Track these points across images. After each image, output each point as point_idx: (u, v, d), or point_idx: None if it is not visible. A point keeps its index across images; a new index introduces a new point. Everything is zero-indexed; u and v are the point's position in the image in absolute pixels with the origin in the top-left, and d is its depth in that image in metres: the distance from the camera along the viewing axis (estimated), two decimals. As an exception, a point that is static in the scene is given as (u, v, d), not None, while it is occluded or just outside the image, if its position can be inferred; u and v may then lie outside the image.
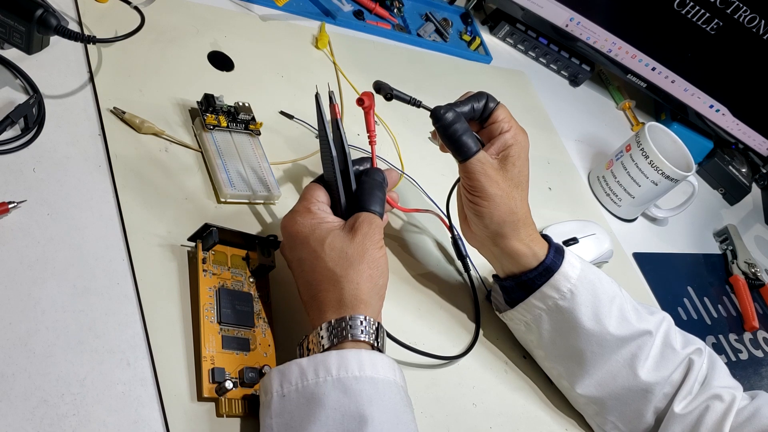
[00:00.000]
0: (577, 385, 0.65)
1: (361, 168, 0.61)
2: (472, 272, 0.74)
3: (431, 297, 0.70)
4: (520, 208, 0.62)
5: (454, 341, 0.68)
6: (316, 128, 0.76)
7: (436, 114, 0.60)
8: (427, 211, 0.72)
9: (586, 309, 0.62)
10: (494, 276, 0.68)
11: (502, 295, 0.67)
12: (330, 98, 0.59)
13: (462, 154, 0.60)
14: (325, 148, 0.58)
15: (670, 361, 0.63)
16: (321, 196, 0.58)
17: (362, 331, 0.51)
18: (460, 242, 0.73)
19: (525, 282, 0.63)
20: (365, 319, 0.51)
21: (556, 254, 0.63)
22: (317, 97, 0.58)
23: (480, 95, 0.63)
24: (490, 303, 0.72)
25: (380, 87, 0.60)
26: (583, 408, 0.68)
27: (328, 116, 0.58)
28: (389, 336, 0.61)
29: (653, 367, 0.63)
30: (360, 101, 0.60)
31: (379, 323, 0.52)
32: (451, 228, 0.72)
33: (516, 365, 0.70)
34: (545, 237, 0.65)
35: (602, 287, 0.63)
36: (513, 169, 0.62)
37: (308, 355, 0.51)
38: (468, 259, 0.74)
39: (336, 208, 0.58)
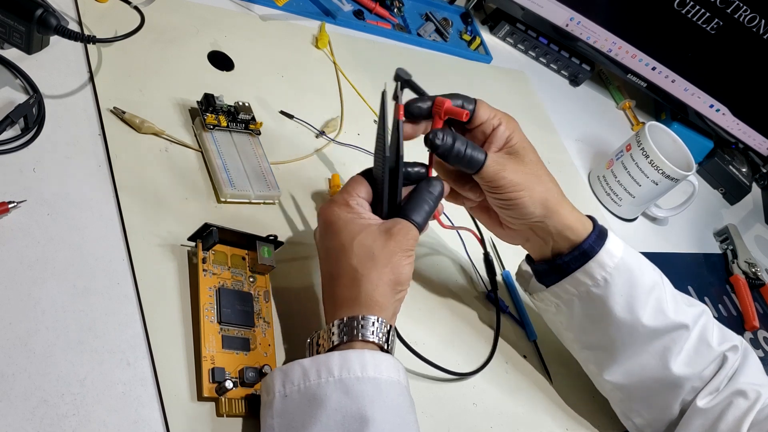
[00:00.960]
0: (605, 372, 0.64)
1: (412, 171, 0.59)
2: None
3: (448, 309, 0.70)
4: (552, 183, 0.61)
5: (468, 354, 0.68)
6: (316, 128, 0.76)
7: (434, 143, 0.57)
8: (464, 228, 0.69)
9: (619, 298, 0.60)
10: (527, 258, 0.67)
11: (534, 278, 0.66)
12: (396, 98, 0.57)
13: (474, 166, 0.58)
14: (379, 146, 0.56)
15: (704, 357, 0.62)
16: (363, 191, 0.56)
17: (373, 332, 0.51)
18: (492, 256, 0.73)
19: (559, 266, 0.62)
20: (378, 320, 0.51)
21: (597, 238, 0.61)
22: (383, 94, 0.56)
23: (453, 97, 0.60)
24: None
25: (398, 75, 0.58)
26: (608, 393, 0.67)
27: (391, 115, 0.56)
28: (406, 346, 0.61)
29: (686, 361, 0.62)
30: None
31: (391, 326, 0.52)
32: (482, 242, 0.71)
33: (516, 365, 0.70)
34: (590, 218, 0.63)
35: (641, 277, 0.61)
36: (525, 155, 0.60)
37: (318, 349, 0.52)
38: (496, 278, 0.74)
39: (376, 206, 0.57)
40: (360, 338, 0.50)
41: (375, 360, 0.49)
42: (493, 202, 0.61)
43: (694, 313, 0.64)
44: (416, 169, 0.59)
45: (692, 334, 0.62)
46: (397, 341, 0.59)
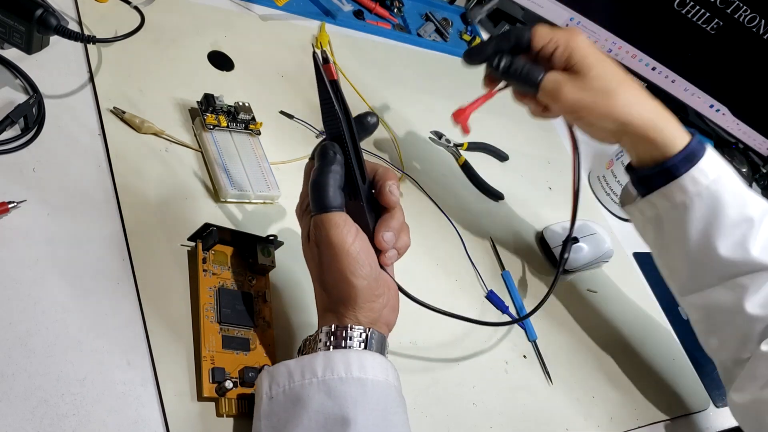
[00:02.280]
0: (683, 294, 0.64)
1: (369, 121, 0.53)
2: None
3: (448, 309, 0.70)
4: (628, 92, 0.59)
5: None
6: (316, 128, 0.76)
7: (494, 66, 0.59)
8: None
9: (698, 224, 0.59)
10: (628, 167, 0.65)
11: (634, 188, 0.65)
12: (325, 59, 0.52)
13: (531, 84, 0.59)
14: (328, 112, 0.52)
15: None
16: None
17: (358, 340, 0.50)
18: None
19: (643, 179, 0.61)
20: (350, 327, 0.50)
21: (688, 156, 0.59)
22: (314, 55, 0.52)
23: (508, 33, 0.60)
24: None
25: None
26: (688, 310, 0.66)
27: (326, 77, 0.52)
28: (413, 299, 0.58)
29: (762, 303, 0.60)
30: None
31: (372, 329, 0.50)
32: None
33: (516, 365, 0.70)
34: (690, 131, 0.61)
35: (730, 208, 0.59)
36: (589, 71, 0.59)
37: (305, 352, 0.51)
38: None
39: (349, 183, 0.52)
40: (344, 347, 0.49)
41: (361, 360, 0.48)
42: (568, 114, 0.61)
43: None
44: (369, 118, 0.53)
45: None
46: (405, 298, 0.57)
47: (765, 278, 0.60)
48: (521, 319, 0.71)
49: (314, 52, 0.51)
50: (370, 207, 0.53)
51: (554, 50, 0.60)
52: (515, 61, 0.59)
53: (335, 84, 0.51)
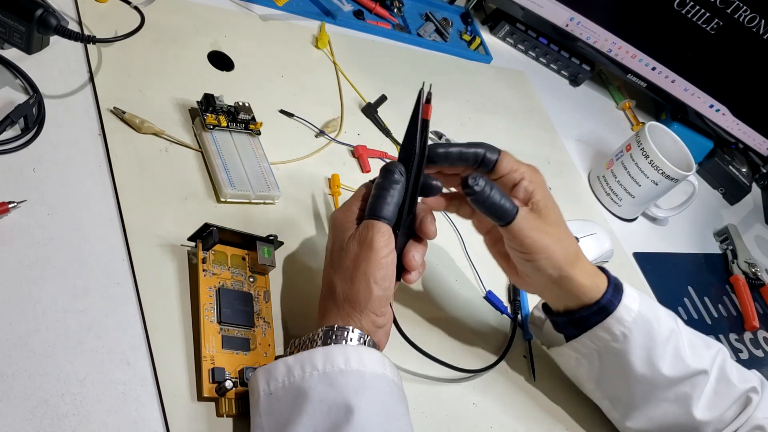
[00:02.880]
0: (627, 420, 0.64)
1: (432, 183, 0.57)
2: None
3: (447, 311, 0.70)
4: (571, 243, 0.60)
5: (468, 355, 0.68)
6: (317, 127, 0.76)
7: (472, 187, 0.54)
8: None
9: (639, 351, 0.60)
10: (544, 307, 0.66)
11: (552, 329, 0.66)
12: (428, 99, 0.55)
13: (506, 218, 0.56)
14: (408, 141, 0.56)
15: (725, 398, 0.62)
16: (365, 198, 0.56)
17: (357, 341, 0.51)
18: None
19: (579, 320, 0.61)
20: (352, 330, 0.51)
21: (614, 292, 0.60)
22: (420, 91, 0.55)
23: (477, 145, 0.59)
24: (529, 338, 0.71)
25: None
26: None
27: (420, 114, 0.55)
28: (408, 341, 0.60)
29: (707, 406, 0.62)
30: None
31: (370, 338, 0.52)
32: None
33: (516, 365, 0.70)
34: (602, 270, 0.62)
35: (659, 327, 0.61)
36: (549, 213, 0.58)
37: (300, 349, 0.52)
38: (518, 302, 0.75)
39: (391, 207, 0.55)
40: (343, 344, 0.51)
41: (359, 354, 0.49)
42: (513, 255, 0.60)
43: (710, 355, 0.63)
44: (435, 182, 0.57)
45: (711, 378, 0.62)
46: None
47: (702, 382, 0.62)
48: (491, 367, 0.69)
49: (422, 88, 0.55)
50: (406, 234, 0.56)
51: (520, 181, 0.58)
52: (493, 189, 0.55)
53: (426, 123, 0.55)
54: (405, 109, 0.87)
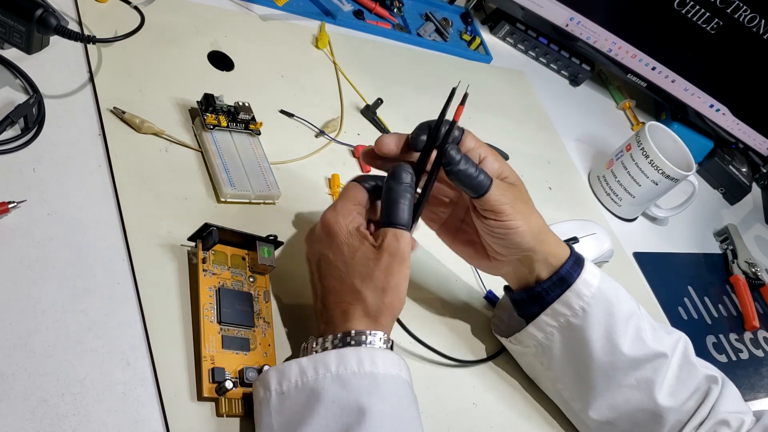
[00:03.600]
0: (589, 409, 0.63)
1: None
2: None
3: (447, 310, 0.70)
4: (539, 218, 0.60)
5: (467, 356, 0.68)
6: (317, 127, 0.76)
7: (451, 156, 0.54)
8: None
9: (599, 328, 0.60)
10: (505, 289, 0.67)
11: (514, 311, 0.66)
12: (463, 100, 0.55)
13: (479, 189, 0.56)
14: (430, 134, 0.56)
15: (687, 384, 0.62)
16: (359, 198, 0.56)
17: (372, 341, 0.52)
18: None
19: (538, 294, 0.61)
20: (370, 333, 0.52)
21: (574, 264, 0.60)
22: (454, 89, 0.55)
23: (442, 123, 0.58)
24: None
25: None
26: (597, 422, 0.64)
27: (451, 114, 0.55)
28: (409, 333, 0.61)
29: (669, 392, 0.61)
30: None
31: (389, 339, 0.53)
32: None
33: (516, 365, 0.70)
34: (568, 244, 0.62)
35: (619, 306, 0.61)
36: (519, 187, 0.59)
37: (313, 352, 0.52)
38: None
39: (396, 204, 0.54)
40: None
41: (372, 356, 0.50)
42: (487, 230, 0.59)
43: (672, 340, 0.63)
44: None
45: (672, 362, 0.62)
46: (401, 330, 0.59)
47: (664, 365, 0.61)
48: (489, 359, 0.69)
49: (455, 87, 0.55)
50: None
51: (485, 157, 0.58)
52: (468, 160, 0.55)
53: (452, 124, 0.55)
54: (405, 109, 0.88)
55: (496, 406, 0.65)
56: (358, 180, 0.57)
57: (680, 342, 0.64)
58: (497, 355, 0.69)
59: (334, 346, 0.51)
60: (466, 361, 0.65)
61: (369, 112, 0.82)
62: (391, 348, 0.53)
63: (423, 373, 0.63)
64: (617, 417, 0.63)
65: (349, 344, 0.51)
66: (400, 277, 0.52)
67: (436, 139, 0.55)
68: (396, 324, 0.57)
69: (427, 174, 0.56)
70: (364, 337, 0.51)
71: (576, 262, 0.61)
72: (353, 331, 0.51)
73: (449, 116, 0.56)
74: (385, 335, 0.52)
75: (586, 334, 0.60)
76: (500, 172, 0.59)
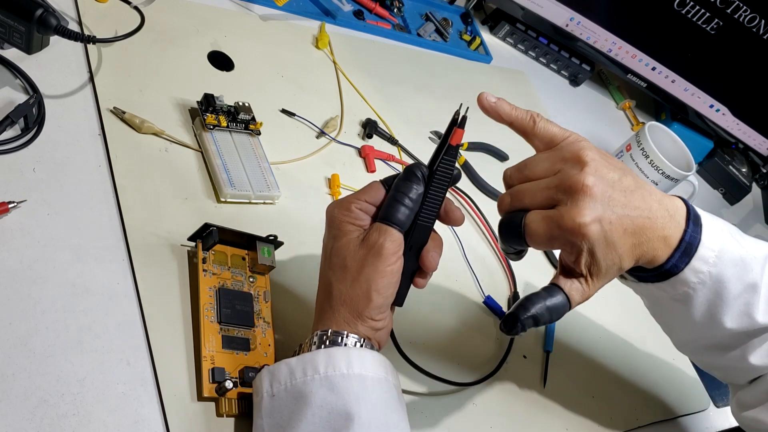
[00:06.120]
0: (682, 348, 0.62)
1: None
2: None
3: (446, 315, 0.70)
4: (621, 219, 0.49)
5: (466, 359, 0.68)
6: (318, 127, 0.76)
7: (520, 328, 0.50)
8: None
9: (701, 307, 0.54)
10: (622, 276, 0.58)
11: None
12: (462, 123, 0.52)
13: (562, 311, 0.51)
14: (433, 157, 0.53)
15: None
16: (373, 196, 0.53)
17: (355, 344, 0.50)
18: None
19: (668, 271, 0.53)
20: (347, 336, 0.50)
21: (694, 226, 0.52)
22: (456, 112, 0.52)
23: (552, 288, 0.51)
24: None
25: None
26: (687, 355, 0.63)
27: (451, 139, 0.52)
28: (406, 359, 0.60)
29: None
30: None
31: (366, 339, 0.51)
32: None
33: (516, 365, 0.70)
34: (682, 199, 0.53)
35: (729, 283, 0.54)
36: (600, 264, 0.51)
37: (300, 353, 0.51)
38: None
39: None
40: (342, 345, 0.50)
41: (361, 357, 0.49)
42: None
43: None
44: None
45: None
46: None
47: None
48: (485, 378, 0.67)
49: (458, 110, 0.52)
50: (415, 253, 0.53)
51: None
52: (541, 314, 0.50)
53: (450, 149, 0.52)
54: (405, 109, 0.88)
55: (496, 406, 0.65)
56: (384, 180, 0.54)
57: None
58: (498, 369, 0.68)
59: (317, 346, 0.50)
60: (463, 384, 0.64)
61: (371, 132, 0.80)
62: (364, 347, 0.50)
63: (422, 379, 0.63)
64: (711, 364, 0.61)
65: (324, 343, 0.50)
66: (372, 271, 0.49)
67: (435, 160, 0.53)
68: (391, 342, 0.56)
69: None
70: (326, 339, 0.49)
71: (695, 221, 0.53)
72: (318, 332, 0.50)
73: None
74: (354, 336, 0.50)
75: (687, 312, 0.55)
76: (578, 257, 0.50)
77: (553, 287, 0.51)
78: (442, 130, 0.87)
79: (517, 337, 0.72)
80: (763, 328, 0.56)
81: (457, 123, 0.52)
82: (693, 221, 0.53)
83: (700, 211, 0.54)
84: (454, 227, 0.77)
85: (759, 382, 0.60)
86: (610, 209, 0.48)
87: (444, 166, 0.52)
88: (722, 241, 0.54)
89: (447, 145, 0.52)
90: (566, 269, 0.51)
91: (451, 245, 0.76)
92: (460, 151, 0.88)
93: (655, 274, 0.53)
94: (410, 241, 0.52)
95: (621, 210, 0.49)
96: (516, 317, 0.50)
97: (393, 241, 0.50)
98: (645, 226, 0.50)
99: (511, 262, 0.79)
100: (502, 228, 0.52)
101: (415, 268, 0.54)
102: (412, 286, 0.54)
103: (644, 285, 0.56)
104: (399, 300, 0.54)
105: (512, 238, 0.51)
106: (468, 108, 0.52)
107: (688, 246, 0.52)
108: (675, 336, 0.62)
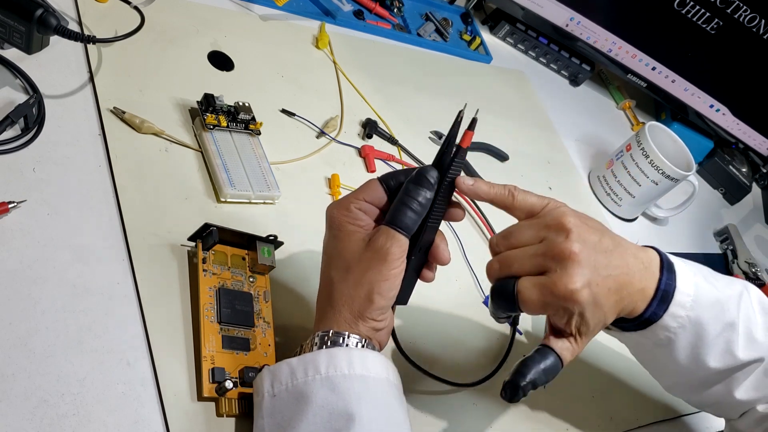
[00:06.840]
0: (670, 391, 0.64)
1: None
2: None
3: (446, 315, 0.70)
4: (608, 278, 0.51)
5: (466, 360, 0.68)
6: (318, 127, 0.76)
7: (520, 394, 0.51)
8: None
9: (684, 350, 0.57)
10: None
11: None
12: (471, 125, 0.52)
13: (557, 370, 0.53)
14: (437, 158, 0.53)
15: None
16: (370, 195, 0.52)
17: (356, 344, 0.50)
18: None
19: (648, 319, 0.55)
20: (348, 336, 0.50)
21: (668, 274, 0.54)
22: (460, 113, 0.52)
23: (544, 352, 0.53)
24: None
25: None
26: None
27: (458, 139, 0.52)
28: (406, 358, 0.60)
29: (754, 386, 0.59)
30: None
31: (368, 340, 0.51)
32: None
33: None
34: (653, 248, 0.56)
35: (708, 325, 0.56)
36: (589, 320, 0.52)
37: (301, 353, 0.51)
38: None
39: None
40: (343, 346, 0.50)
41: (363, 357, 0.49)
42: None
43: None
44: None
45: (766, 361, 0.58)
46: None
47: (754, 368, 0.59)
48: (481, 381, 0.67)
49: (462, 110, 0.52)
50: (419, 259, 0.54)
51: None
52: (537, 378, 0.51)
53: (460, 150, 0.52)
54: (405, 109, 0.88)
55: (496, 406, 0.65)
56: (382, 177, 0.53)
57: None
58: (498, 369, 0.68)
59: (318, 346, 0.50)
60: (463, 384, 0.64)
61: (371, 132, 0.80)
62: (366, 347, 0.50)
63: (422, 379, 0.63)
64: (699, 402, 0.63)
65: (326, 344, 0.50)
66: (376, 274, 0.49)
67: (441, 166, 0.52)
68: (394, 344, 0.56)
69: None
70: (327, 340, 0.50)
71: (669, 270, 0.55)
72: (319, 333, 0.50)
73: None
74: (356, 337, 0.50)
75: (670, 356, 0.57)
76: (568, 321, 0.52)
77: (544, 349, 0.53)
78: (442, 129, 0.88)
79: (518, 337, 0.72)
80: (745, 363, 0.58)
81: (468, 125, 0.52)
82: (667, 269, 0.55)
83: (673, 258, 0.56)
84: (454, 227, 0.77)
85: (749, 414, 0.62)
86: (596, 272, 0.50)
87: (455, 169, 0.52)
88: (696, 285, 0.56)
89: (457, 147, 0.52)
90: (556, 330, 0.53)
91: (451, 245, 0.76)
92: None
93: (636, 323, 0.55)
94: (419, 243, 0.52)
95: (605, 271, 0.51)
96: (516, 385, 0.51)
97: (399, 246, 0.50)
98: (625, 282, 0.52)
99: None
100: (495, 295, 0.53)
101: (422, 266, 0.54)
102: (419, 281, 0.55)
103: (627, 334, 0.58)
104: (404, 299, 0.54)
105: (506, 305, 0.52)
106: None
107: (664, 294, 0.55)
108: (663, 379, 0.64)
